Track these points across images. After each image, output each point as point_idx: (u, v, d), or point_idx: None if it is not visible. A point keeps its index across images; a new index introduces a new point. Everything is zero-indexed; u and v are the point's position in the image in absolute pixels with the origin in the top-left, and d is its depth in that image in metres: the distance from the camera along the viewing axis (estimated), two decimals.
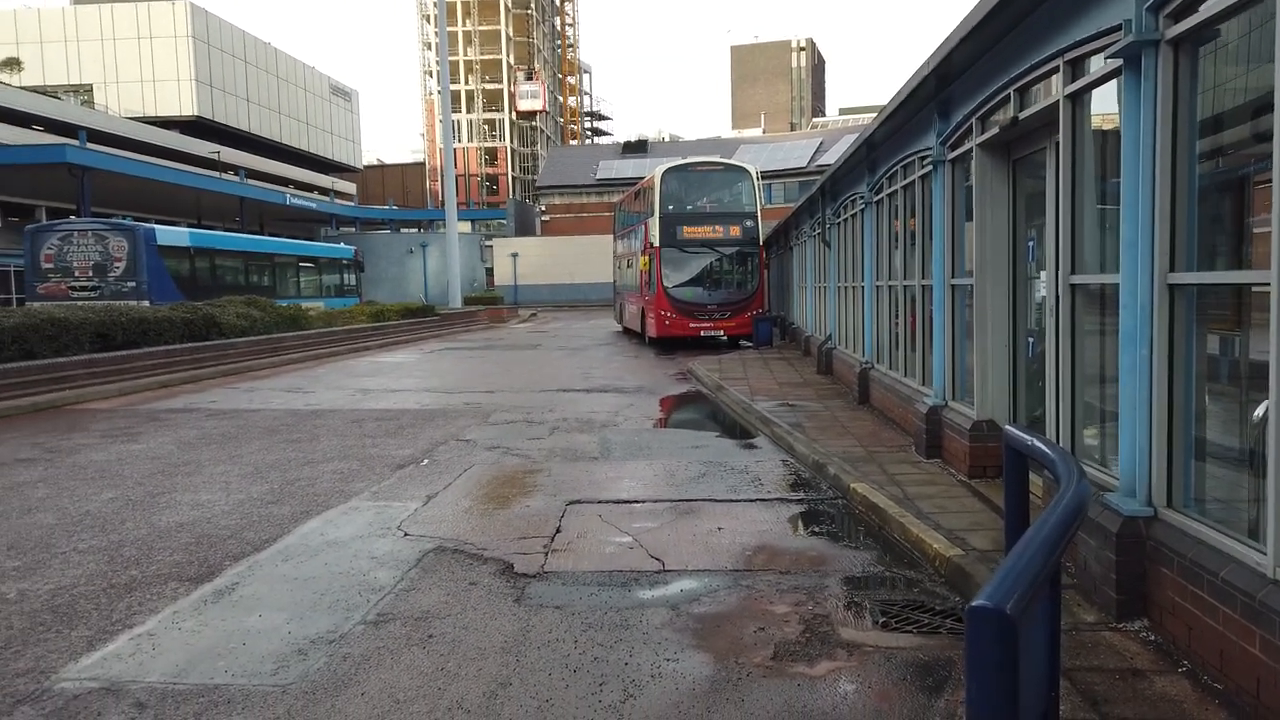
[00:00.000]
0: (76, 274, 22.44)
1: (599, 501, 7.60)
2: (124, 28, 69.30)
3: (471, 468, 9.07)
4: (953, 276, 8.24)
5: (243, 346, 20.23)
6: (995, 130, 6.89)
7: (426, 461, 9.43)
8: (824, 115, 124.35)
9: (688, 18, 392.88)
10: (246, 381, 17.68)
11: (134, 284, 22.31)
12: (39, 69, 68.35)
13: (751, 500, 7.57)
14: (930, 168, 8.71)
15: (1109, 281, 5.09)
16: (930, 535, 5.87)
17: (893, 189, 10.91)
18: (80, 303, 19.29)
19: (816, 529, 6.74)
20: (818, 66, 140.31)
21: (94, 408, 13.97)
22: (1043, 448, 4.48)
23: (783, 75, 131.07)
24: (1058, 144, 6.13)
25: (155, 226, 24.65)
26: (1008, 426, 5.40)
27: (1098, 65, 5.01)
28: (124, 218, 41.93)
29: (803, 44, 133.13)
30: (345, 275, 36.67)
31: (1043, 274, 6.48)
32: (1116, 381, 5.31)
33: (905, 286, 10.46)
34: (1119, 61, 4.52)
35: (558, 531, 6.69)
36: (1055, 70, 5.55)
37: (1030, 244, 7.12)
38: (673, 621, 4.86)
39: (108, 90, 69.34)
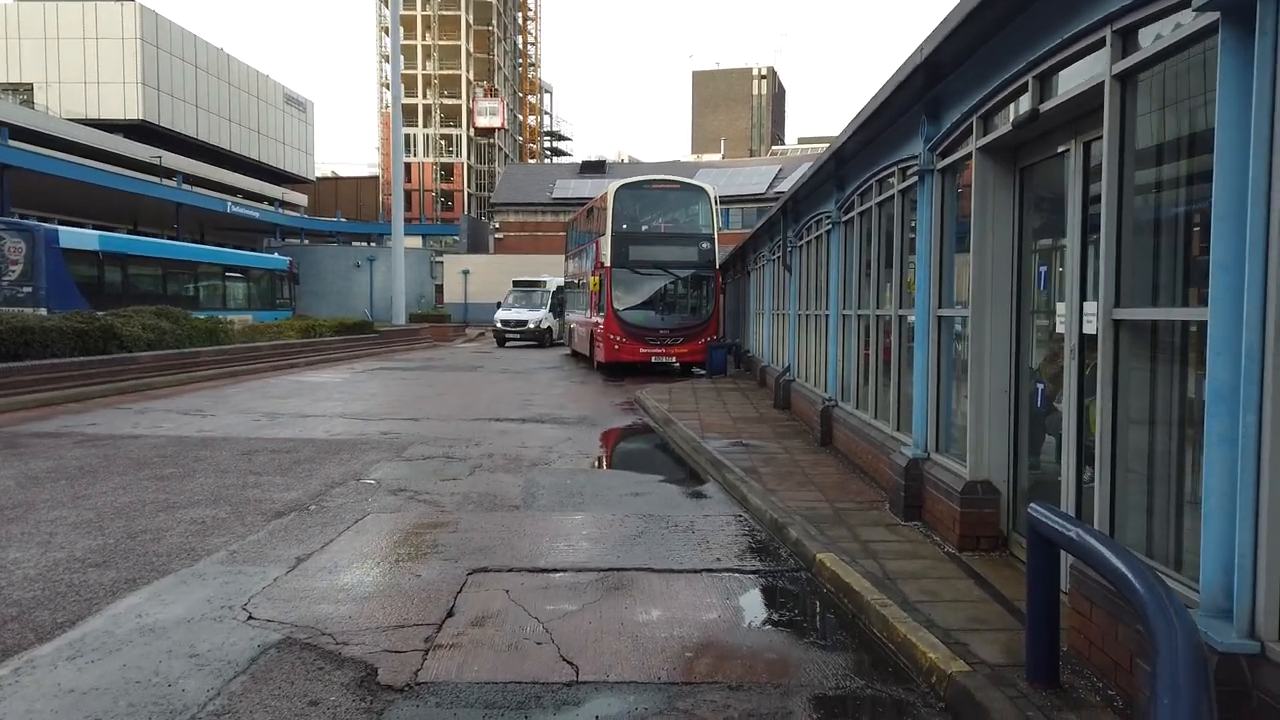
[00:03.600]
0: None
1: (510, 570, 6.15)
2: (69, 27, 66.72)
3: (364, 518, 7.57)
4: (940, 306, 6.99)
5: (147, 362, 18.38)
6: (1004, 130, 5.66)
7: (314, 508, 7.90)
8: (783, 144, 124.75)
9: (651, 42, 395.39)
10: (143, 401, 15.88)
11: (30, 289, 20.29)
12: None
13: (696, 571, 6.18)
14: (915, 180, 7.49)
15: (1183, 318, 3.83)
16: (922, 638, 4.52)
17: (865, 206, 9.70)
18: None
19: (776, 617, 5.37)
20: (778, 95, 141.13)
21: None
22: (1109, 556, 3.17)
23: (744, 102, 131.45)
24: (1086, 145, 4.92)
25: (59, 228, 22.66)
26: (1036, 508, 4.07)
27: (1166, 30, 3.77)
28: (56, 223, 39.64)
29: (764, 72, 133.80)
30: (278, 287, 34.69)
31: (1060, 306, 5.23)
32: (1177, 448, 4.04)
33: (879, 317, 9.22)
34: (1212, 15, 3.27)
35: (449, 615, 5.24)
36: (1098, 45, 4.32)
37: (1042, 270, 5.89)
38: None
39: (49, 90, 66.51)
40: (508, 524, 7.44)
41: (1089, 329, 4.75)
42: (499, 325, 37.12)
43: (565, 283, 34.97)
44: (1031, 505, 3.94)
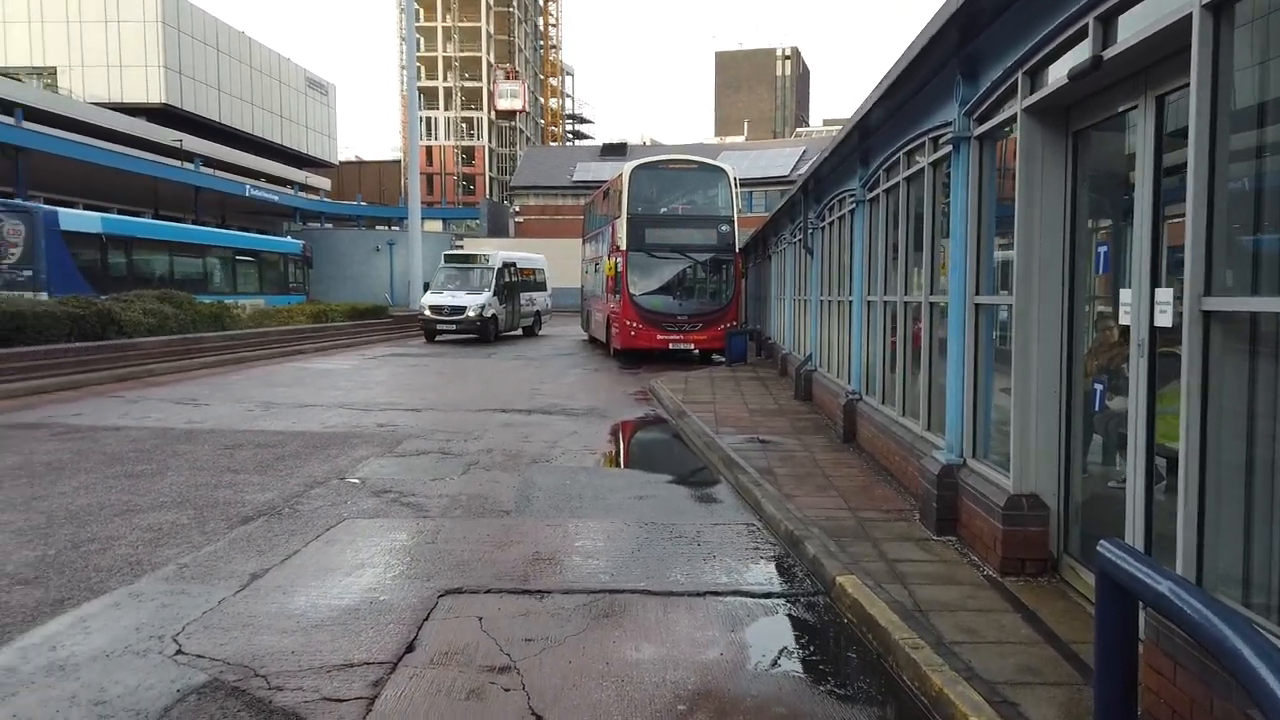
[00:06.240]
0: None
1: (487, 591, 5.44)
2: (91, 10, 66.54)
3: (338, 524, 6.88)
4: (977, 292, 6.17)
5: (149, 348, 17.86)
6: (1055, 86, 4.83)
7: (286, 512, 7.23)
8: (808, 125, 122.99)
9: (673, 22, 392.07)
10: (139, 389, 15.34)
11: (30, 273, 19.79)
12: (0, 50, 65.47)
13: (699, 594, 5.44)
14: (948, 150, 6.65)
15: None
16: (962, 694, 3.76)
17: (892, 182, 8.86)
18: None
19: (788, 656, 4.61)
20: (802, 76, 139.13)
21: None
22: (1222, 629, 2.38)
23: (767, 83, 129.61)
24: (1160, 99, 4.09)
25: (59, 209, 22.13)
26: (1109, 548, 3.14)
27: None
28: (81, 207, 39.42)
29: (788, 53, 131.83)
30: (291, 271, 34.15)
31: (1125, 293, 4.42)
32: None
33: (907, 303, 8.40)
34: None
35: (408, 650, 4.53)
36: None
37: (1101, 250, 5.06)
38: None
39: (72, 74, 66.49)
40: (494, 534, 6.73)
41: (1162, 320, 3.95)
42: (426, 313, 28.56)
43: (584, 268, 31.86)
44: (1102, 543, 3.14)
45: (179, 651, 4.45)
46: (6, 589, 5.30)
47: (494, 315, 28.85)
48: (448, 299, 28.29)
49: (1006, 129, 5.72)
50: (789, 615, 5.18)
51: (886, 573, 5.47)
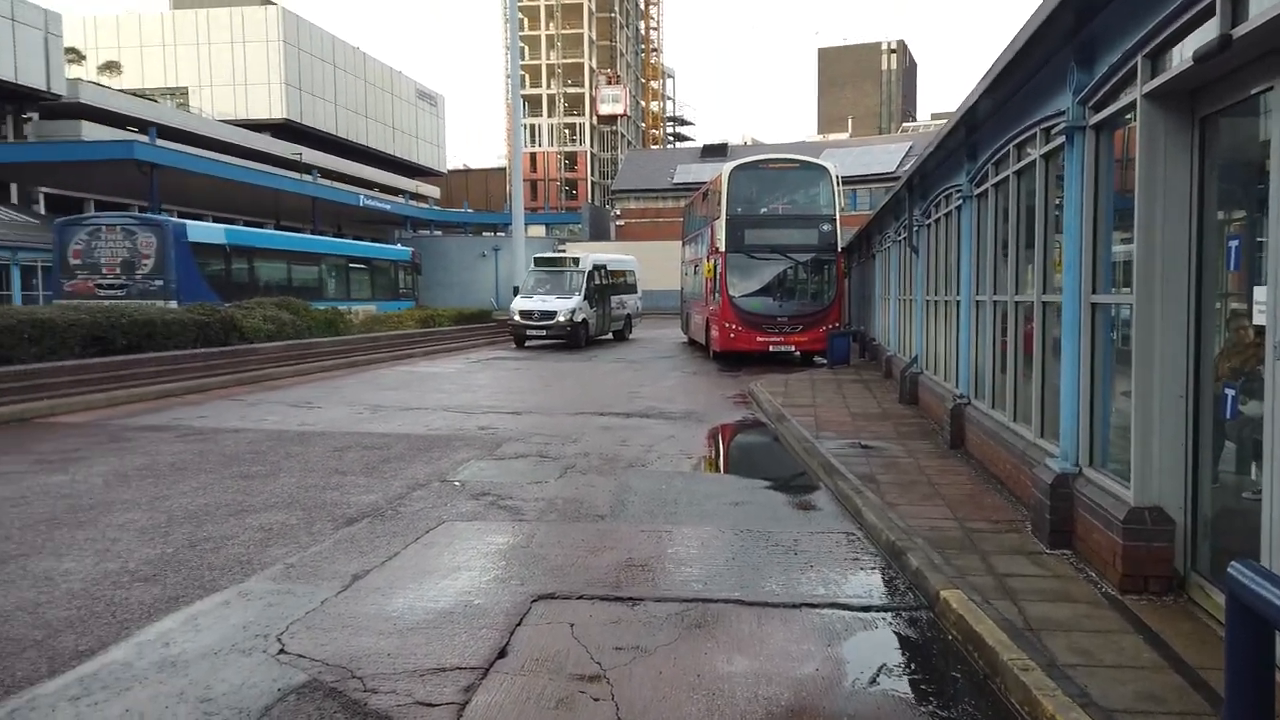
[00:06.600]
0: (104, 271, 21.25)
1: (579, 597, 5.42)
2: (219, 32, 70.55)
3: (437, 527, 7.00)
4: (1094, 291, 5.81)
5: (267, 353, 18.70)
6: (1179, 69, 4.49)
7: (389, 514, 7.40)
8: (914, 120, 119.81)
9: (775, 21, 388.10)
10: (257, 393, 16.06)
11: (161, 283, 21.00)
12: (138, 72, 70.03)
13: (795, 606, 5.28)
14: (1060, 141, 6.29)
15: None
16: None
17: (1001, 176, 8.47)
18: (89, 302, 18.01)
19: (888, 674, 4.41)
20: (909, 70, 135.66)
21: (64, 421, 12.42)
22: None
23: (872, 78, 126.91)
24: None
25: (187, 222, 23.39)
26: (1238, 567, 2.88)
27: None
28: (210, 219, 41.75)
29: (893, 46, 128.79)
30: (401, 278, 35.25)
31: (1259, 291, 4.07)
32: None
33: (1018, 303, 8.00)
34: None
35: (500, 655, 4.55)
36: None
37: (1233, 244, 4.68)
38: None
39: (202, 93, 70.63)
40: (588, 538, 6.72)
41: None
42: (516, 319, 27.80)
43: (683, 270, 31.22)
44: (1233, 565, 2.87)
45: (282, 651, 4.58)
46: (127, 585, 5.58)
47: (584, 320, 28.08)
48: (537, 304, 27.56)
49: (1125, 117, 5.37)
50: (889, 630, 4.97)
51: (995, 588, 5.20)
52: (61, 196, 43.28)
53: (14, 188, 42.09)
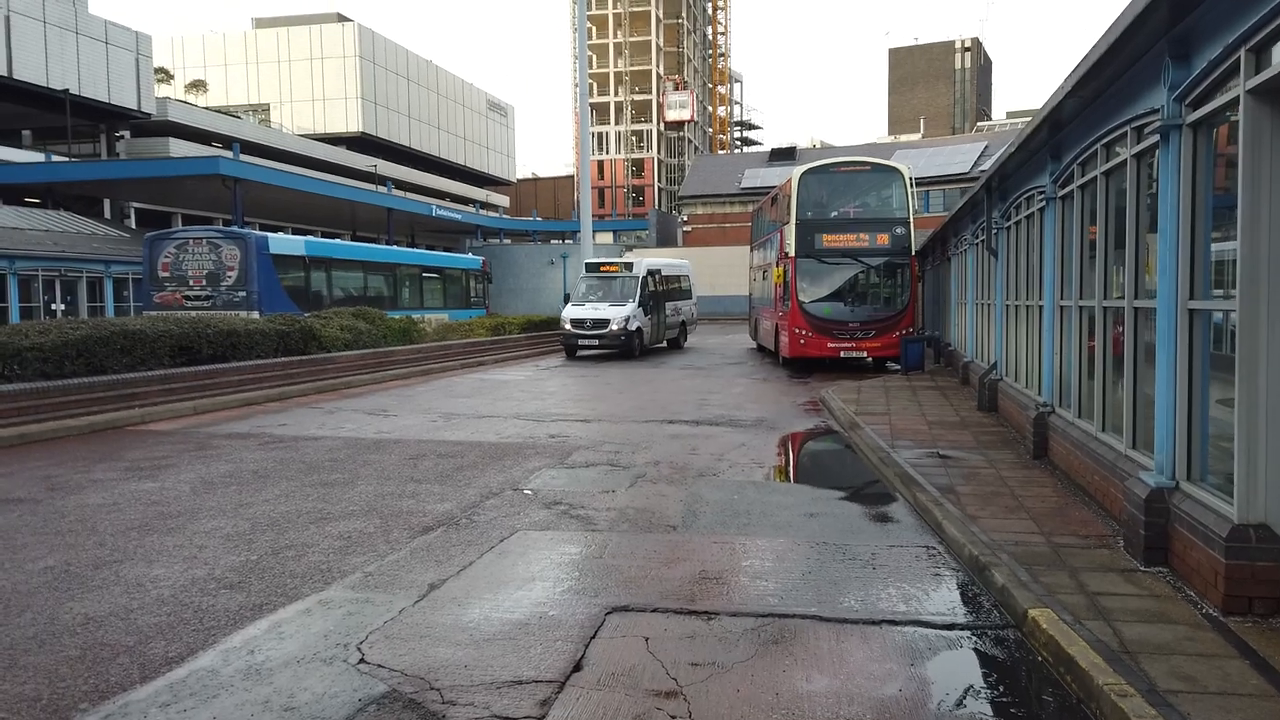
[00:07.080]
0: (191, 283, 22.05)
1: (654, 610, 5.37)
2: (298, 49, 72.79)
3: (510, 536, 7.03)
4: (1191, 297, 5.54)
5: (344, 361, 19.14)
6: None
7: (463, 522, 7.47)
8: (989, 119, 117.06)
9: (844, 22, 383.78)
10: (336, 400, 16.44)
11: (244, 294, 21.70)
12: (223, 90, 72.71)
13: (875, 623, 5.14)
14: (1154, 140, 6.03)
15: None
16: None
17: (1088, 177, 8.16)
18: (176, 313, 18.69)
19: (974, 696, 4.25)
20: (983, 68, 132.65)
21: (154, 429, 12.88)
22: None
23: (944, 78, 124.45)
24: None
25: (269, 235, 24.11)
26: None
27: None
28: (290, 231, 42.99)
29: (967, 44, 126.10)
30: (473, 286, 35.79)
31: None
32: None
33: (1106, 308, 7.70)
34: None
35: (575, 669, 4.52)
36: None
37: None
38: None
39: (282, 109, 72.98)
40: (661, 550, 6.67)
41: None
42: (567, 327, 26.13)
43: (751, 275, 30.20)
44: None
45: (362, 660, 4.63)
46: (214, 592, 5.72)
47: (639, 328, 26.39)
48: (589, 311, 25.94)
49: (1226, 114, 5.11)
50: (975, 650, 4.80)
51: (1087, 607, 4.98)
52: (150, 211, 45.19)
53: (107, 203, 44.09)
